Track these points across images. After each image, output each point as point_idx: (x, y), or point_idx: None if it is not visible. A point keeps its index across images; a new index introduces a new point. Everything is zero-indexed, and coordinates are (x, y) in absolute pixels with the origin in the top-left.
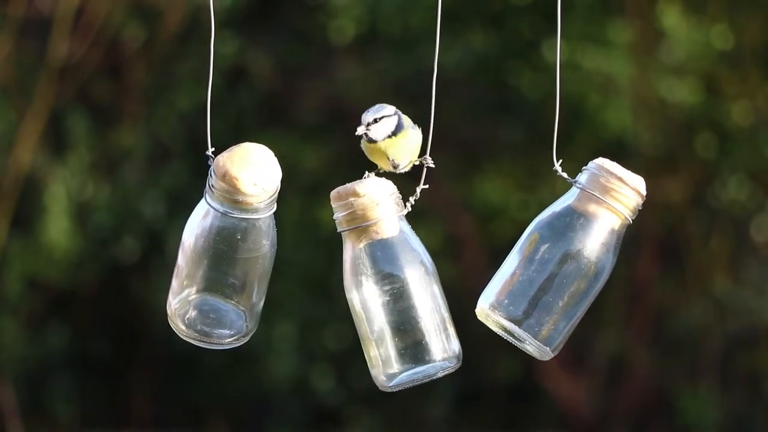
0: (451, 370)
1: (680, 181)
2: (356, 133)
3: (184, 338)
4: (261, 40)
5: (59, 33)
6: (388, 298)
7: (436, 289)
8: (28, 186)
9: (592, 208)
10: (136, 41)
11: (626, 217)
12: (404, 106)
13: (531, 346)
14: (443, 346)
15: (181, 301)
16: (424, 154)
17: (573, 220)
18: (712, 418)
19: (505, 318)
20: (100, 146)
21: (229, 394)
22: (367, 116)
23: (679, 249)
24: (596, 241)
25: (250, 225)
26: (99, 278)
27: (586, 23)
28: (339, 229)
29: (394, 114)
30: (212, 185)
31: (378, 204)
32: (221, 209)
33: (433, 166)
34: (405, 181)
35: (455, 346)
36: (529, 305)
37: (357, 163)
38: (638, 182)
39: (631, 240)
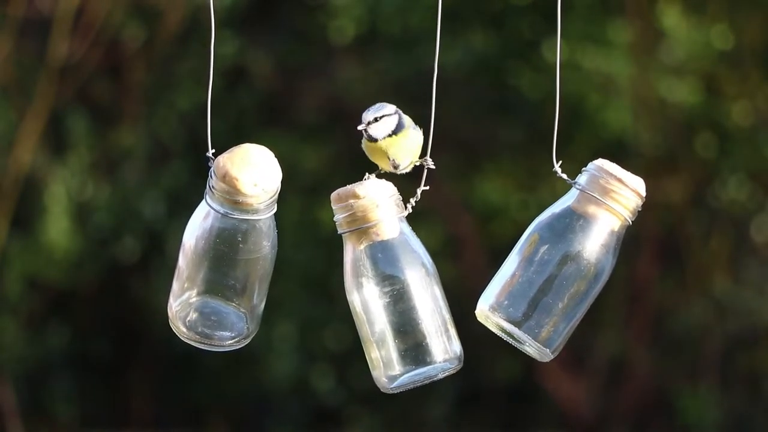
0: (453, 372)
1: (680, 181)
2: (357, 128)
3: (185, 340)
4: (261, 40)
5: (59, 33)
6: (388, 300)
7: (437, 291)
8: (28, 186)
9: (592, 209)
10: (136, 41)
11: (626, 219)
12: (404, 106)
13: (531, 348)
14: (444, 348)
15: (182, 304)
16: (425, 155)
17: (573, 222)
18: (712, 418)
19: (504, 319)
20: (100, 146)
21: (229, 394)
22: (368, 115)
23: (679, 249)
24: (596, 242)
25: (250, 226)
26: (99, 278)
27: (586, 23)
28: (339, 231)
29: (395, 113)
30: (212, 186)
31: (378, 206)
32: (222, 210)
33: (433, 167)
34: (405, 182)
35: (456, 347)
36: (528, 307)
37: (357, 163)
38: (638, 183)
39: (631, 240)
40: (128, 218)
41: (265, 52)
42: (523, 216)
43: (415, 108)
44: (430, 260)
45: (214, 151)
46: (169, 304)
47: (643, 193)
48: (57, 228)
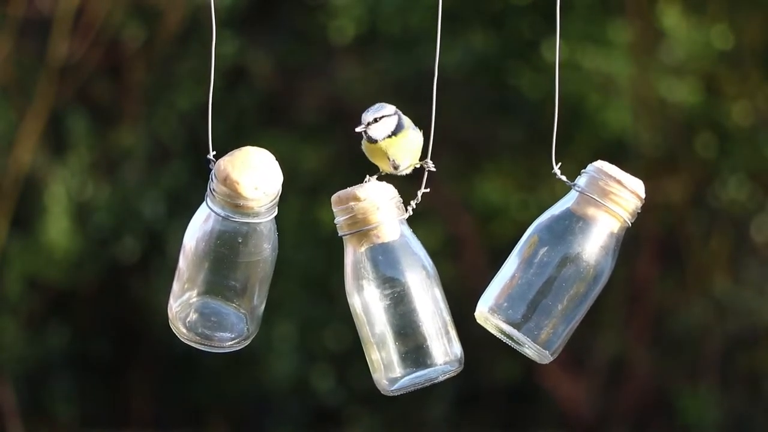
0: (453, 374)
1: (680, 181)
2: (356, 130)
3: (186, 341)
4: (261, 40)
5: (59, 33)
6: (389, 302)
7: (437, 293)
8: (28, 186)
9: (591, 211)
10: (136, 41)
11: (625, 220)
12: (404, 107)
13: (530, 350)
14: (445, 350)
15: (182, 305)
16: (425, 157)
17: (572, 224)
18: (712, 418)
19: (504, 321)
20: (100, 146)
21: (229, 394)
22: (367, 116)
23: (679, 249)
24: (595, 244)
25: (251, 229)
26: (99, 278)
27: (586, 23)
28: (340, 234)
29: (394, 114)
30: (213, 189)
31: (379, 208)
32: (222, 213)
33: (434, 170)
34: (405, 184)
35: (457, 349)
36: (528, 309)
37: (357, 163)
38: (637, 185)
39: (631, 240)
40: (128, 218)
41: (265, 52)
42: (523, 216)
43: (415, 108)
44: (431, 262)
45: (215, 153)
46: (169, 305)
47: (643, 195)
48: (57, 228)
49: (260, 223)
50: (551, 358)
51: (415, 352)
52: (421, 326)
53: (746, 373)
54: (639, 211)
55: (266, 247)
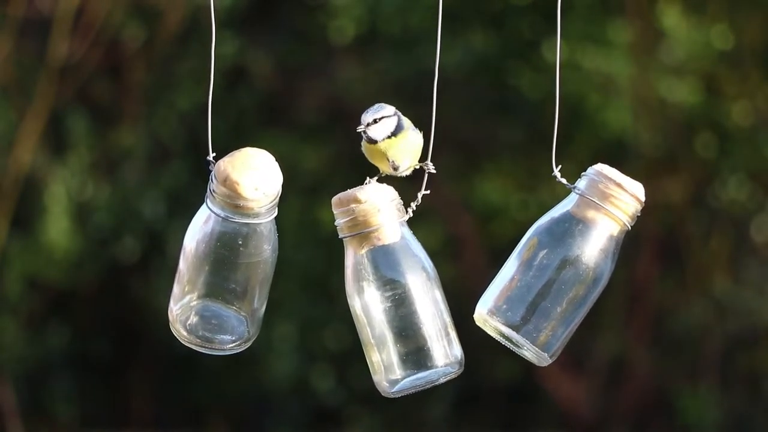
0: (454, 376)
1: (680, 181)
2: (357, 130)
3: (186, 344)
4: (261, 40)
5: (59, 33)
6: (389, 304)
7: (438, 295)
8: (28, 186)
9: (591, 214)
10: (136, 41)
11: (625, 223)
12: (404, 107)
13: (529, 352)
14: (445, 352)
15: (183, 307)
16: (426, 159)
17: (572, 226)
18: (712, 418)
19: (503, 324)
20: (100, 146)
21: (229, 394)
22: (367, 117)
23: (679, 249)
24: (595, 247)
25: (251, 230)
26: (99, 278)
27: (586, 23)
28: (340, 236)
29: (394, 114)
30: (213, 190)
31: (379, 210)
32: (222, 214)
33: (434, 171)
34: (406, 185)
35: (457, 351)
36: (527, 311)
37: (357, 163)
38: (637, 188)
39: (631, 240)
40: (128, 218)
41: (265, 52)
42: (523, 216)
43: (415, 108)
44: (431, 264)
45: (215, 155)
46: (169, 308)
47: (643, 198)
48: (57, 228)
49: (260, 224)
50: (550, 361)
51: (415, 354)
52: (421, 328)
53: (746, 373)
54: (639, 214)
55: (266, 249)
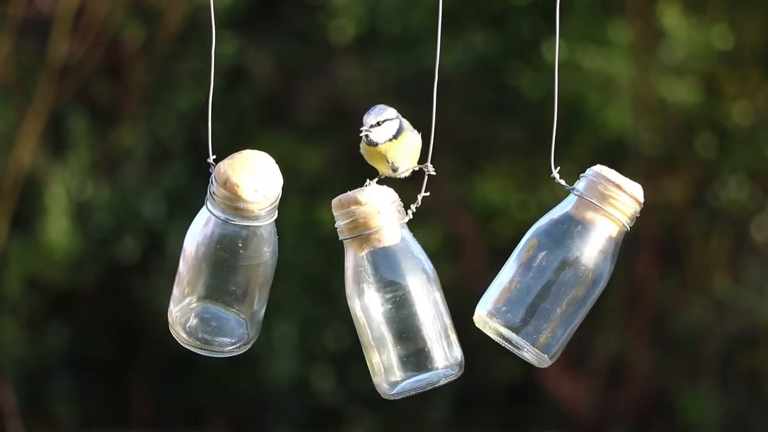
0: (453, 378)
1: (680, 181)
2: (360, 132)
3: (186, 346)
4: (261, 40)
5: (59, 33)
6: (390, 306)
7: (438, 296)
8: (28, 186)
9: (590, 215)
10: (136, 41)
11: (624, 225)
12: (404, 107)
13: (529, 354)
14: (445, 354)
15: (182, 309)
16: (425, 161)
17: (571, 228)
18: (712, 418)
19: (502, 325)
20: (100, 146)
21: (229, 394)
22: (369, 119)
23: (679, 249)
24: (594, 248)
25: (251, 232)
26: (99, 278)
27: (586, 23)
28: (341, 237)
29: (396, 118)
30: (213, 192)
31: (380, 212)
32: (222, 217)
33: (434, 173)
34: (405, 187)
35: (457, 353)
36: (526, 313)
37: (357, 163)
38: (636, 189)
39: (631, 240)
40: (128, 218)
41: (265, 52)
42: (523, 216)
43: (415, 108)
44: (431, 266)
45: (215, 157)
46: (169, 310)
47: (642, 199)
48: (57, 228)
49: (260, 226)
50: (550, 362)
51: (415, 355)
52: (421, 330)
53: (746, 373)
54: (638, 215)
55: (266, 251)
